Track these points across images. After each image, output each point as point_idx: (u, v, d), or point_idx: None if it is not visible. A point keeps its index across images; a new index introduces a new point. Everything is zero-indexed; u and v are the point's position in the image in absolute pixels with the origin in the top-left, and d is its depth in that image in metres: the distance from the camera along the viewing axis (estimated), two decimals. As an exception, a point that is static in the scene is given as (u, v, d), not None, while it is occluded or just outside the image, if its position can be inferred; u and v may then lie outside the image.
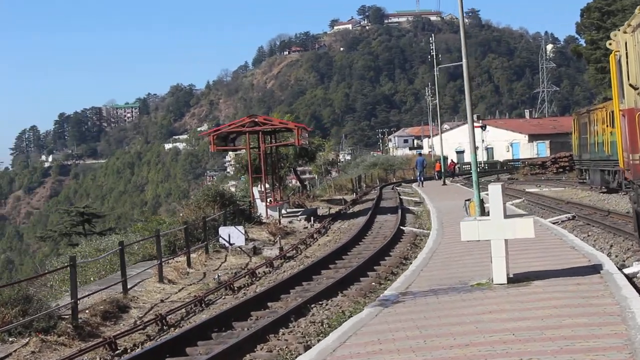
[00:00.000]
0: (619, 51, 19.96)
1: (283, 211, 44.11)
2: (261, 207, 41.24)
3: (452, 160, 79.48)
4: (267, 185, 44.25)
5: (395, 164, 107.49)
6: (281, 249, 29.19)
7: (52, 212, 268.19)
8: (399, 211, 41.55)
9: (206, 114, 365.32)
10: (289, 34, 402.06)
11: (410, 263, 22.32)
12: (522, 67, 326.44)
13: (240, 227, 30.62)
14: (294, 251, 30.11)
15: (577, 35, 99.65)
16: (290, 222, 40.17)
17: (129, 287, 21.83)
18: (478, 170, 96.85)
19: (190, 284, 23.63)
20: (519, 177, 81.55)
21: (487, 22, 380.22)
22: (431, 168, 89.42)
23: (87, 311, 18.45)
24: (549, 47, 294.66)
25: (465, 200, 30.47)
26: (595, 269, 17.09)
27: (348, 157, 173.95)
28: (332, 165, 71.72)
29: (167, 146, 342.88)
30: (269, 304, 18.92)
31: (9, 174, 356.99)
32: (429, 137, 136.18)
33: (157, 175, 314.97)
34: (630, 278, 16.72)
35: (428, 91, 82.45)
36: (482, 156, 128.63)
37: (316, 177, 78.88)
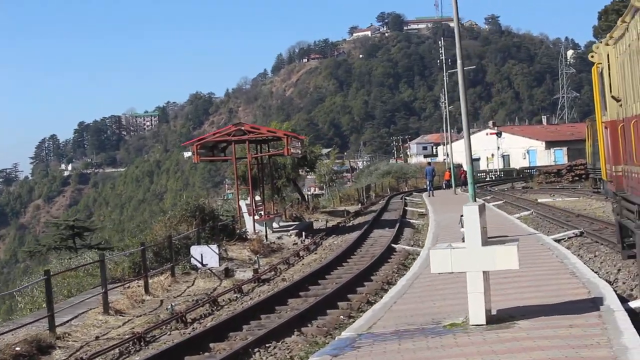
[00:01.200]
0: (601, 63, 20.14)
1: (275, 225, 41.35)
2: (249, 222, 38.43)
3: (462, 168, 76.27)
4: (257, 198, 41.51)
5: (408, 172, 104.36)
6: (256, 270, 26.33)
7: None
8: (397, 225, 38.74)
9: (225, 122, 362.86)
10: (308, 42, 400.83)
11: (390, 289, 19.51)
12: (542, 73, 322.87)
13: (214, 246, 27.81)
14: (273, 272, 27.33)
15: (595, 40, 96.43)
16: (279, 237, 37.39)
17: (67, 319, 19.18)
18: (493, 178, 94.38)
19: (140, 315, 20.80)
20: (534, 186, 78.42)
21: (507, 28, 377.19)
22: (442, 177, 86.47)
23: (-2, 354, 15.70)
24: (570, 52, 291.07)
25: (461, 216, 27.52)
26: (595, 303, 14.30)
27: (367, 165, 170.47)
28: (337, 175, 68.77)
29: (186, 154, 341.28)
30: (212, 344, 16.08)
31: (28, 183, 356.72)
32: (443, 144, 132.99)
33: (176, 184, 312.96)
34: (637, 313, 14.21)
35: (442, 97, 79.16)
36: (497, 164, 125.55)
37: (325, 187, 75.75)
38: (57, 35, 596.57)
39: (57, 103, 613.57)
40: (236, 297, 22.89)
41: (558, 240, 27.17)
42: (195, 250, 27.75)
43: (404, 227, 39.43)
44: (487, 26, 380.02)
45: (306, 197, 60.67)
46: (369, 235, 37.24)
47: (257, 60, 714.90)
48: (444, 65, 79.40)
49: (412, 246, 30.73)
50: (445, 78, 77.02)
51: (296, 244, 36.32)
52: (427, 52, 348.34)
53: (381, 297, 18.75)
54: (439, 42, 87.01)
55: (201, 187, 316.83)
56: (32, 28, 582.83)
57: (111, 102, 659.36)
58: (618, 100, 18.07)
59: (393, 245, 30.49)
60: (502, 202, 52.46)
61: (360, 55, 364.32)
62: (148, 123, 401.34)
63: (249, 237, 35.51)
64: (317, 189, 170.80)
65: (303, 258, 31.42)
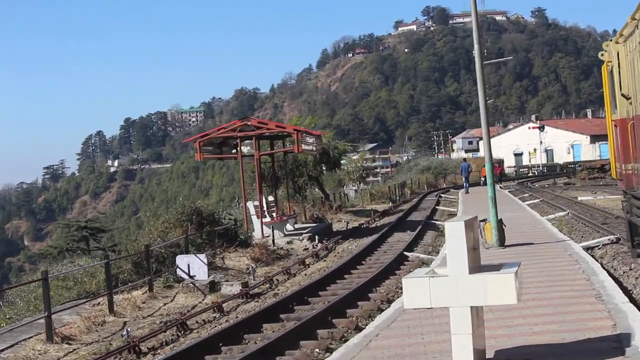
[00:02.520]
0: (611, 61, 19.99)
1: (290, 227, 38.26)
2: (257, 225, 35.36)
3: (497, 164, 72.74)
4: (270, 198, 38.45)
5: (449, 167, 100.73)
6: (245, 284, 23.17)
7: (118, 218, 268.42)
8: (419, 228, 35.59)
9: (270, 117, 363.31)
10: (353, 36, 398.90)
11: (378, 315, 16.36)
12: (589, 66, 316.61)
13: (202, 256, 24.69)
14: (268, 284, 24.25)
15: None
16: (289, 242, 34.29)
17: (6, 346, 16.22)
18: (536, 173, 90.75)
19: (91, 343, 17.67)
20: (576, 182, 74.45)
21: (554, 20, 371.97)
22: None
23: None
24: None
25: (480, 221, 24.26)
26: (620, 343, 11.14)
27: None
28: (367, 172, 65.36)
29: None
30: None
31: (75, 179, 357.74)
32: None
33: (222, 179, 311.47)
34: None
35: (483, 90, 75.15)
36: (540, 158, 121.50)
37: (358, 184, 72.16)
38: (103, 32, 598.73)
39: (103, 99, 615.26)
40: (214, 317, 19.82)
41: (590, 248, 23.89)
42: (182, 260, 24.68)
43: (427, 230, 36.29)
44: (533, 19, 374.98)
45: (332, 195, 57.48)
46: (387, 239, 34.10)
47: (302, 55, 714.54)
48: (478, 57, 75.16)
49: (428, 254, 27.52)
50: (478, 69, 72.75)
51: (307, 249, 33.21)
52: (473, 45, 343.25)
53: (373, 320, 15.66)
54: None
55: (247, 182, 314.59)
56: (78, 26, 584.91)
57: (157, 98, 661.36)
58: (628, 98, 17.83)
59: (406, 253, 27.21)
60: (539, 200, 48.97)
61: (406, 50, 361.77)
62: (193, 119, 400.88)
63: (255, 242, 32.35)
64: (362, 183, 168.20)
65: (308, 267, 28.29)
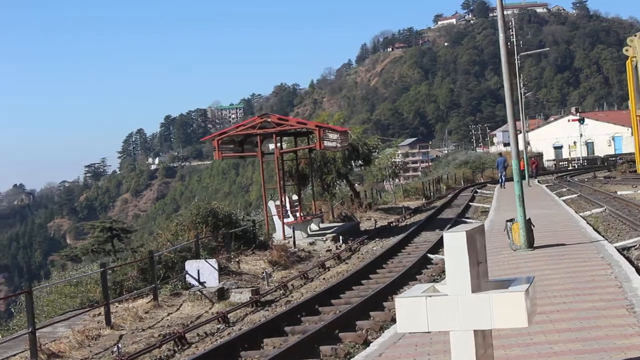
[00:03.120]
0: (635, 57, 18.95)
1: (314, 227, 36.83)
2: (278, 226, 33.94)
3: (533, 158, 71.11)
4: (294, 197, 37.05)
5: (487, 162, 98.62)
6: (256, 291, 21.71)
7: (159, 215, 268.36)
8: (448, 227, 34.01)
9: (310, 113, 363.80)
10: (392, 31, 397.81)
11: (385, 330, 14.93)
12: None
13: (212, 261, 23.26)
14: (282, 290, 22.84)
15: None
16: (311, 243, 32.83)
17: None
18: (576, 167, 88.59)
19: None
20: (617, 175, 72.22)
21: (595, 12, 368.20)
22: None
23: None
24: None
25: (507, 221, 22.72)
26: (651, 368, 9.68)
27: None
28: (400, 168, 63.59)
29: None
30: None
31: (116, 177, 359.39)
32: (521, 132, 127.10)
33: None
34: None
35: (519, 83, 73.53)
36: (580, 151, 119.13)
37: (390, 181, 70.21)
38: (143, 30, 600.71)
39: (144, 97, 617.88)
40: (217, 328, 18.44)
41: (626, 249, 22.30)
42: (191, 266, 23.29)
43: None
44: (574, 11, 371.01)
45: (364, 192, 55.90)
46: (413, 239, 32.65)
47: (341, 50, 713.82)
48: (514, 48, 73.62)
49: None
50: (516, 60, 71.29)
51: (330, 250, 31.70)
52: (514, 39, 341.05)
53: (381, 336, 14.24)
54: (512, 28, 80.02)
55: (286, 179, 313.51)
56: (119, 23, 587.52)
57: (197, 95, 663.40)
58: None
59: (430, 255, 25.69)
60: (576, 195, 47.11)
61: (446, 43, 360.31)
62: (233, 115, 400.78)
63: (275, 243, 30.89)
64: (402, 179, 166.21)
65: (328, 270, 26.81)
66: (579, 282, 16.08)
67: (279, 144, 35.65)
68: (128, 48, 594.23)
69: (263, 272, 25.78)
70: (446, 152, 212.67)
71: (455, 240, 9.16)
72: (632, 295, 14.29)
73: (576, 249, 21.36)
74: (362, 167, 54.32)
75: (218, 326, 18.59)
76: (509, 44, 66.56)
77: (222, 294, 21.90)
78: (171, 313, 20.72)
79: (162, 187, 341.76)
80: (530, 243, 22.01)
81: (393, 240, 32.27)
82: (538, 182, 69.01)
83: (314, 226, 36.91)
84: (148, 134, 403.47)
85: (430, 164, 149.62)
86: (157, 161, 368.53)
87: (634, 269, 17.38)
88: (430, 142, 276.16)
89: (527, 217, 22.21)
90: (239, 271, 25.89)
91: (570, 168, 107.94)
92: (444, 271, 22.50)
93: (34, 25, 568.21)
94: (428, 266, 24.42)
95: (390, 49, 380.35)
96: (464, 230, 9.25)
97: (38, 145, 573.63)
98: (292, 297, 22.10)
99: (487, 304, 8.92)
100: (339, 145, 36.00)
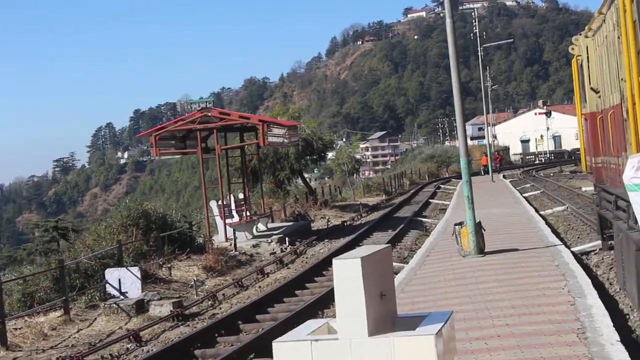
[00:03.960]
0: (580, 56, 20.42)
1: (262, 227, 34.82)
2: (220, 227, 31.83)
3: (497, 152, 69.53)
4: (239, 196, 35.00)
5: (453, 156, 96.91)
6: (179, 303, 19.60)
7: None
8: (401, 227, 32.24)
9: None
10: (362, 24, 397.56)
11: None
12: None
13: (135, 269, 21.15)
14: (211, 301, 20.80)
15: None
16: (255, 245, 30.79)
17: None
18: (543, 161, 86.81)
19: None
20: (583, 170, 70.64)
21: (565, 5, 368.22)
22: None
23: None
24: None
25: (455, 225, 20.81)
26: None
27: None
28: (358, 163, 61.47)
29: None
30: None
31: (85, 172, 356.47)
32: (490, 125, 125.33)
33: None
34: None
35: (481, 74, 71.59)
36: (547, 145, 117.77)
37: (347, 176, 67.58)
38: (112, 22, 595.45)
39: (112, 91, 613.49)
40: (127, 349, 16.40)
41: (585, 253, 20.50)
42: (112, 275, 21.15)
43: (411, 228, 32.87)
44: (544, 4, 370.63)
45: (321, 189, 53.93)
46: (363, 240, 30.68)
47: (311, 43, 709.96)
48: (478, 39, 71.76)
49: (400, 262, 23.97)
50: (479, 52, 69.44)
51: (274, 253, 29.65)
52: (483, 31, 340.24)
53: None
54: (482, 21, 77.79)
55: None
56: (87, 16, 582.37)
57: (166, 89, 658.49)
58: (597, 92, 17.92)
59: None
60: (539, 192, 45.30)
61: (415, 37, 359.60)
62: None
63: (215, 246, 28.79)
64: (372, 172, 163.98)
65: (267, 276, 24.78)
66: (528, 298, 14.19)
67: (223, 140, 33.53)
68: (97, 41, 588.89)
69: (197, 279, 23.77)
70: (415, 145, 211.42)
71: (347, 270, 7.27)
72: (585, 315, 12.41)
73: (530, 255, 19.46)
74: (317, 163, 52.22)
75: (128, 346, 16.57)
76: (472, 35, 64.57)
77: (141, 306, 19.85)
78: (82, 329, 18.67)
79: (131, 181, 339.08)
80: (480, 249, 20.11)
81: (342, 242, 30.32)
82: (503, 177, 67.29)
83: (261, 226, 34.90)
84: (117, 127, 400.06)
85: (397, 157, 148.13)
86: (126, 155, 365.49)
87: (589, 280, 15.48)
88: (400, 136, 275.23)
89: (478, 220, 20.30)
90: (168, 279, 23.84)
91: (537, 162, 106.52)
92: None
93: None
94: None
95: (360, 42, 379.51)
96: (359, 256, 7.29)
97: (5, 140, 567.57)
98: (221, 308, 20.12)
99: (389, 350, 7.03)
100: (286, 140, 33.99)
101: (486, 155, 69.65)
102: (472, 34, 78.39)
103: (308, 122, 51.82)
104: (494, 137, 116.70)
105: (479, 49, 68.00)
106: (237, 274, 25.41)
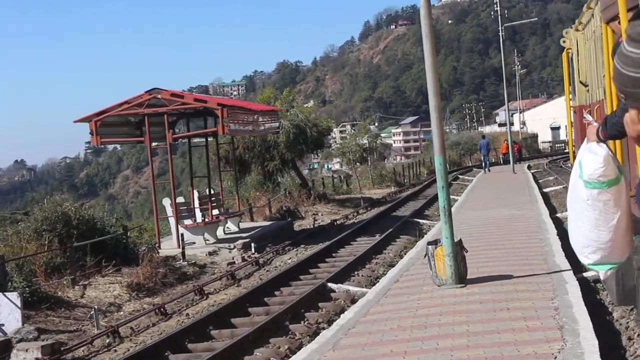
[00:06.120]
0: (570, 49, 21.09)
1: (233, 228, 29.91)
2: (174, 231, 26.73)
3: (515, 142, 64.50)
4: (194, 194, 30.01)
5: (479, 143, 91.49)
6: (53, 347, 14.59)
7: (159, 192, 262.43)
8: (390, 230, 27.29)
9: (312, 91, 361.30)
10: (395, 8, 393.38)
11: None
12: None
13: (13, 295, 16.26)
14: (109, 338, 15.90)
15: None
16: (212, 253, 25.74)
17: None
18: (556, 149, 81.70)
19: None
20: (572, 162, 65.34)
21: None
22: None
23: None
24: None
25: (428, 244, 15.64)
26: None
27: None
28: (369, 151, 56.11)
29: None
30: None
31: (117, 154, 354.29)
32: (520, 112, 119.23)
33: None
34: None
35: (502, 55, 66.08)
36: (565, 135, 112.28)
37: (354, 165, 61.72)
38: (145, 6, 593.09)
39: (145, 73, 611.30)
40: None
41: (601, 282, 15.49)
42: (-15, 301, 16.34)
43: (401, 234, 27.83)
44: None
45: (322, 180, 48.97)
46: (340, 249, 25.61)
47: (344, 27, 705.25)
48: (499, 19, 66.31)
49: (365, 285, 18.91)
50: (500, 30, 64.04)
51: (233, 263, 24.62)
52: (518, 16, 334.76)
53: None
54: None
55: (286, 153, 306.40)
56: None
57: (199, 72, 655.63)
58: (586, 86, 18.24)
59: (332, 285, 18.57)
60: (562, 186, 39.39)
61: (449, 21, 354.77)
62: (235, 92, 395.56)
63: (161, 255, 23.82)
64: (403, 157, 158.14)
65: (206, 298, 19.74)
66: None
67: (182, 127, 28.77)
68: (128, 24, 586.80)
69: (115, 301, 18.90)
70: (447, 130, 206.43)
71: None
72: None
73: (525, 287, 14.30)
74: (314, 152, 47.07)
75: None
76: (492, 13, 59.33)
77: (7, 348, 14.92)
78: None
79: (162, 163, 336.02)
80: (460, 277, 15.00)
81: (315, 249, 25.37)
82: (528, 167, 62.06)
83: (232, 227, 29.95)
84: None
85: (423, 143, 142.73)
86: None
87: (595, 340, 10.44)
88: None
89: (458, 239, 15.26)
90: (76, 302, 18.86)
91: (567, 150, 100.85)
92: (341, 308, 15.73)
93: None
94: (325, 301, 17.35)
95: (394, 27, 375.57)
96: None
97: (39, 121, 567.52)
98: (116, 351, 15.21)
99: None
100: (256, 128, 28.93)
101: (506, 143, 64.86)
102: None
103: (302, 108, 46.66)
104: (523, 123, 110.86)
105: (500, 28, 62.50)
106: (172, 294, 20.45)
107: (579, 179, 5.84)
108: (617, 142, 12.17)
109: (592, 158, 5.71)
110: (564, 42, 21.37)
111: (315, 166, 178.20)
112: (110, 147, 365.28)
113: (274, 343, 14.18)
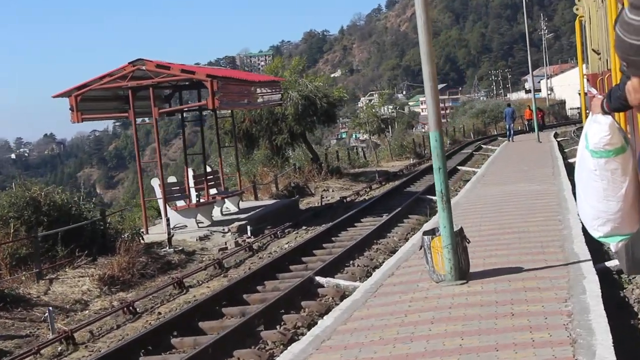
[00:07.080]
0: (583, 16, 20.92)
1: (233, 208, 27.88)
2: (164, 213, 24.65)
3: (538, 109, 61.90)
4: (208, 169, 28.03)
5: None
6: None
7: (190, 164, 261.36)
8: (399, 209, 25.15)
9: (339, 60, 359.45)
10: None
11: None
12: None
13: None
14: (62, 345, 13.92)
15: None
16: (203, 237, 23.67)
17: None
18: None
19: None
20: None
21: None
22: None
23: None
24: None
25: (424, 234, 13.49)
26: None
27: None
28: (386, 122, 53.53)
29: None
30: None
31: (145, 126, 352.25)
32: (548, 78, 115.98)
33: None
34: None
35: (525, 19, 63.38)
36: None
37: (370, 136, 59.27)
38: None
39: (172, 45, 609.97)
40: None
41: (621, 272, 13.35)
42: None
43: (411, 213, 25.66)
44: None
45: (337, 153, 46.73)
46: (341, 232, 23.48)
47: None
48: None
49: (359, 275, 16.83)
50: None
51: (225, 249, 22.54)
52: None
53: None
54: None
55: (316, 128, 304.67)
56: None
57: (225, 42, 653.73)
58: (598, 54, 17.63)
59: (320, 279, 16.47)
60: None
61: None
62: (262, 63, 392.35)
63: (146, 241, 21.82)
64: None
65: (186, 292, 17.70)
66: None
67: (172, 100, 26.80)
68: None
69: (85, 296, 16.91)
70: (476, 97, 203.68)
71: None
72: None
73: (535, 284, 12.10)
74: (325, 125, 44.78)
75: None
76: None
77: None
78: None
79: (191, 135, 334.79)
80: (460, 272, 12.87)
81: (316, 232, 23.27)
82: (555, 135, 59.74)
83: (231, 207, 27.88)
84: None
85: (450, 110, 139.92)
86: (186, 109, 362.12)
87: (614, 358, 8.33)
88: (460, 89, 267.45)
89: (459, 227, 13.12)
90: (37, 300, 16.86)
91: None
92: (328, 305, 13.77)
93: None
94: (303, 304, 15.19)
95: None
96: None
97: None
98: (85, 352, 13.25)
99: None
100: (254, 101, 26.79)
101: (529, 109, 62.61)
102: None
103: (312, 78, 44.13)
104: (550, 90, 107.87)
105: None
106: (150, 287, 18.41)
107: (585, 150, 5.90)
108: (622, 114, 10.80)
109: (597, 127, 5.76)
110: (577, 9, 21.25)
111: (344, 136, 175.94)
112: (139, 119, 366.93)
113: (238, 356, 12.11)
